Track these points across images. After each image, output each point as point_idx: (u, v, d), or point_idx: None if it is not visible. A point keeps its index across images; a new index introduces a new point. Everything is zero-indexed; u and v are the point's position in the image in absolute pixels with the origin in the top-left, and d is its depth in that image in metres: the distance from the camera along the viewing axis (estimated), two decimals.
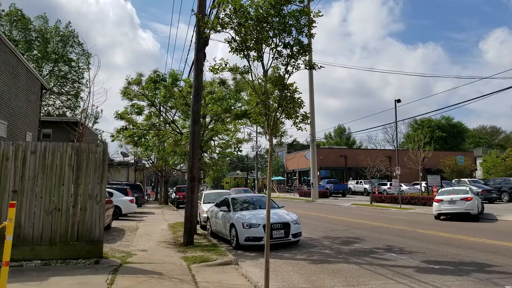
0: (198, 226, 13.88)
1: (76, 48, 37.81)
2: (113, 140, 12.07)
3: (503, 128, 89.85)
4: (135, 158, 38.14)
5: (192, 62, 10.70)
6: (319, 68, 5.44)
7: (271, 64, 5.01)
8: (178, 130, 11.74)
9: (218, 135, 11.45)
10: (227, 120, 10.61)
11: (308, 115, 5.74)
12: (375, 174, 30.12)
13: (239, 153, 11.43)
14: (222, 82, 10.68)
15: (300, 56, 4.98)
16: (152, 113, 12.10)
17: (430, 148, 32.21)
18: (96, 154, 7.60)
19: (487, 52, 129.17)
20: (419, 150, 31.26)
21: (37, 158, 7.29)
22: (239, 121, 10.30)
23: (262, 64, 4.96)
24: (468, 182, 33.31)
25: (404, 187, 41.29)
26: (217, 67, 5.22)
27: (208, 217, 12.80)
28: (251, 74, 5.09)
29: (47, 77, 37.19)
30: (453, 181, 36.81)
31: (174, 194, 34.01)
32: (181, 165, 14.09)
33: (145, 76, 11.38)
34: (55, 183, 7.31)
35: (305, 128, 5.68)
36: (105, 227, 12.27)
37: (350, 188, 45.58)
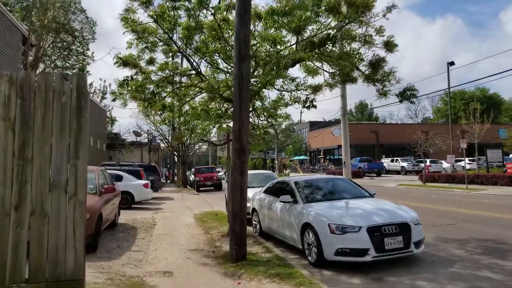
0: None
1: (78, 16, 33.72)
2: (114, 99, 8.08)
3: None
4: (149, 136, 34.52)
5: None
6: None
7: None
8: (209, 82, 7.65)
9: (276, 82, 7.15)
10: (295, 55, 6.38)
11: None
12: (427, 150, 25.73)
13: (310, 110, 7.25)
14: None
15: None
16: (171, 54, 7.96)
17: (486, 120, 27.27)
18: (63, 95, 3.64)
19: (508, 23, 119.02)
20: (474, 122, 26.53)
21: None
22: (318, 50, 6.07)
23: None
24: None
25: (445, 164, 36.97)
26: None
27: (254, 208, 8.88)
28: None
29: (49, 49, 33.44)
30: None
31: (193, 176, 30.42)
32: (212, 132, 9.94)
33: None
34: None
35: None
36: (109, 224, 8.50)
37: (384, 166, 41.23)
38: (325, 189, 7.46)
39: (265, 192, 8.67)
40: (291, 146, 65.41)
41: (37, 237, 3.44)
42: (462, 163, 35.63)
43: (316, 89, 7.15)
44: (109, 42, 76.19)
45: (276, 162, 58.54)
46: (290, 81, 7.37)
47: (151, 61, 8.43)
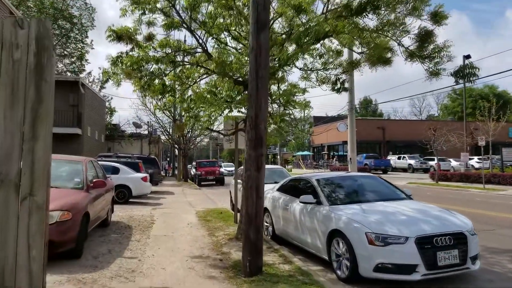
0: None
1: (77, 2, 32.41)
2: (106, 80, 7.01)
3: None
4: (149, 128, 33.39)
5: None
6: None
7: None
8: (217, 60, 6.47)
9: (302, 57, 5.92)
10: (324, 26, 5.16)
11: None
12: (440, 147, 24.52)
13: (341, 93, 6.05)
14: None
15: None
16: (173, 24, 6.73)
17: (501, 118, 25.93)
18: (16, 49, 2.52)
19: None
20: (490, 119, 25.21)
21: None
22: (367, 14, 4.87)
23: None
24: None
25: (453, 162, 35.97)
26: None
27: (266, 208, 7.76)
28: None
29: None
30: None
31: (194, 170, 29.34)
32: (218, 120, 8.77)
33: None
34: None
35: None
36: (101, 223, 7.42)
37: (391, 164, 40.13)
38: (353, 188, 6.33)
39: (279, 190, 7.56)
40: (293, 141, 64.22)
41: None
42: (471, 162, 34.63)
43: (354, 65, 5.91)
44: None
45: (278, 157, 57.35)
46: (318, 58, 6.19)
47: (149, 38, 7.25)
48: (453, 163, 36.20)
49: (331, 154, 52.06)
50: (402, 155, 40.24)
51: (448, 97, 70.58)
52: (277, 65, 5.99)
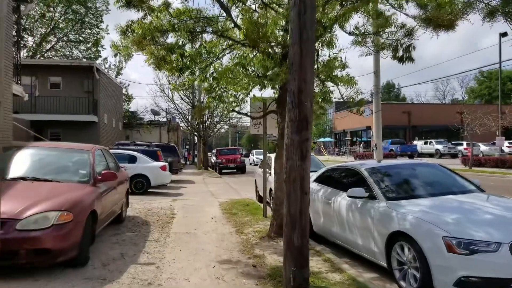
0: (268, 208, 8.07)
1: None
2: (116, 54, 6.04)
3: None
4: (168, 115, 32.71)
5: None
6: None
7: None
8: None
9: (352, 16, 4.75)
10: None
11: None
12: (474, 131, 22.75)
13: (405, 63, 4.90)
14: None
15: None
16: None
17: None
18: None
19: None
20: None
21: None
22: None
23: None
24: None
25: (482, 147, 34.01)
26: None
27: None
28: None
29: (61, 22, 31.54)
30: None
31: (214, 158, 28.61)
32: (245, 101, 7.62)
33: None
34: None
35: None
36: (113, 219, 6.58)
37: (417, 149, 38.50)
38: (412, 179, 5.22)
39: (317, 181, 6.50)
40: (314, 127, 62.64)
41: None
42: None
43: (427, 22, 4.58)
44: (124, 17, 73.37)
45: None
46: (374, 17, 4.98)
47: (165, 6, 6.25)
48: (482, 147, 34.39)
49: (355, 140, 50.37)
50: (428, 140, 38.51)
51: (474, 80, 67.25)
52: (320, 27, 4.85)
